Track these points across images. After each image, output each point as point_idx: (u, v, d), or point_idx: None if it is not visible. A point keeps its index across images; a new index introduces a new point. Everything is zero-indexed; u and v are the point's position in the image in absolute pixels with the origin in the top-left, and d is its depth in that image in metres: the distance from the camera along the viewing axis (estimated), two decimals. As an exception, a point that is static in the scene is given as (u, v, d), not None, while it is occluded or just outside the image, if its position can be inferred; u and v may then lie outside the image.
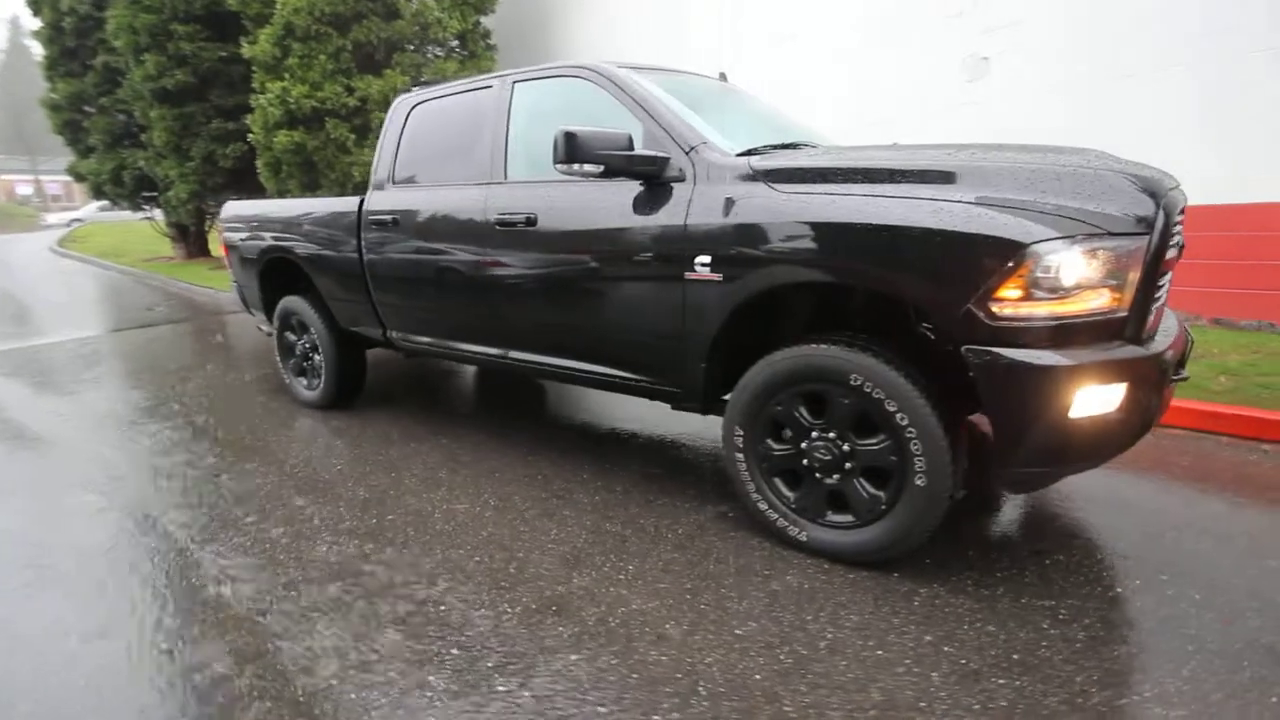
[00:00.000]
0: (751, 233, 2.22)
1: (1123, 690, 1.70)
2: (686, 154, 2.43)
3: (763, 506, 2.43)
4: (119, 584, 2.39)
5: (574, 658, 1.90)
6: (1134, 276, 1.88)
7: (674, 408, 2.81)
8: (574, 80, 2.83)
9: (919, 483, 2.06)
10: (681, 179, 2.43)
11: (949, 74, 6.35)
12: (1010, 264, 1.82)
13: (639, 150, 2.43)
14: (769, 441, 2.39)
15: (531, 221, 2.84)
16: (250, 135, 10.52)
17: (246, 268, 4.70)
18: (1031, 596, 2.11)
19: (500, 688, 1.79)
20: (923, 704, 1.68)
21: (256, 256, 4.53)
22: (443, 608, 2.16)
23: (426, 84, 3.65)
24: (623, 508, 2.83)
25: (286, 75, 9.60)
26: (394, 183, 3.56)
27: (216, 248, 16.96)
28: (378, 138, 9.69)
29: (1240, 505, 2.71)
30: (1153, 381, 1.94)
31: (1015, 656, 1.84)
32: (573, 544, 2.55)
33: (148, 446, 3.82)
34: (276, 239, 4.31)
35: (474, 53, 10.54)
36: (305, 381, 4.54)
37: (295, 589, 2.30)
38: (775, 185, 2.22)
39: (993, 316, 1.87)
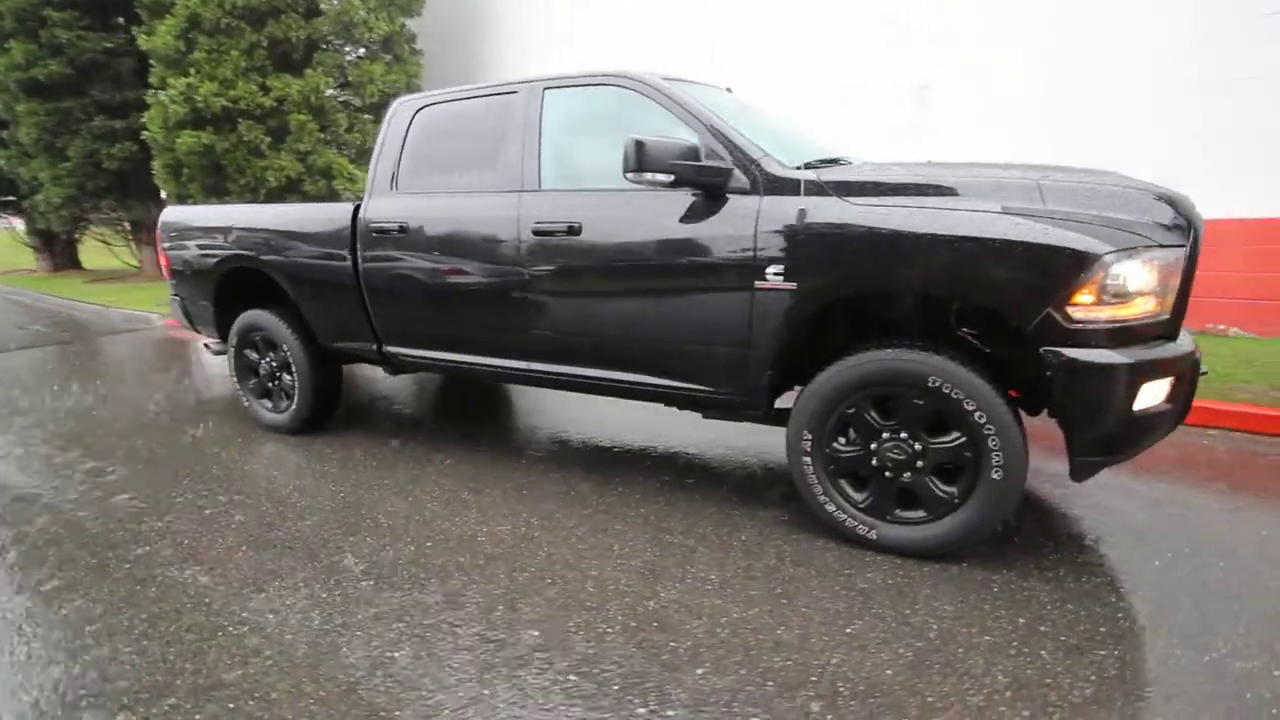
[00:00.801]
0: (830, 242, 2.30)
1: (1204, 650, 1.90)
2: (749, 166, 2.48)
3: (831, 508, 2.50)
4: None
5: (700, 671, 1.87)
6: (1175, 283, 2.12)
7: (712, 416, 2.83)
8: (614, 89, 2.81)
9: (995, 476, 2.21)
10: (745, 190, 2.48)
11: (894, 102, 6.85)
12: (1085, 273, 2.01)
13: (704, 161, 2.45)
14: (835, 445, 2.47)
15: (575, 230, 2.78)
16: (145, 134, 9.50)
17: (196, 280, 4.24)
18: (1089, 575, 2.31)
19: (640, 710, 1.73)
20: (1048, 680, 1.79)
21: (211, 268, 4.10)
22: (535, 633, 2.05)
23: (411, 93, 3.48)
24: (676, 519, 2.80)
25: (192, 71, 8.76)
26: (397, 189, 3.36)
27: (92, 258, 15.10)
28: (297, 140, 9.14)
29: (1230, 490, 3.10)
30: (1189, 376, 2.20)
31: (1103, 629, 2.00)
32: (642, 558, 2.50)
33: (104, 492, 3.36)
34: (241, 248, 3.93)
35: (399, 56, 10.12)
36: (270, 404, 4.15)
37: (368, 640, 2.11)
38: (847, 198, 2.32)
39: (1069, 320, 2.04)
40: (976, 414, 2.19)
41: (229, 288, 4.18)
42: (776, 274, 2.38)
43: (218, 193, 9.30)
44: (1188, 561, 2.39)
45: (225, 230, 4.01)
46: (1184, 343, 2.23)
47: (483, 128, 3.12)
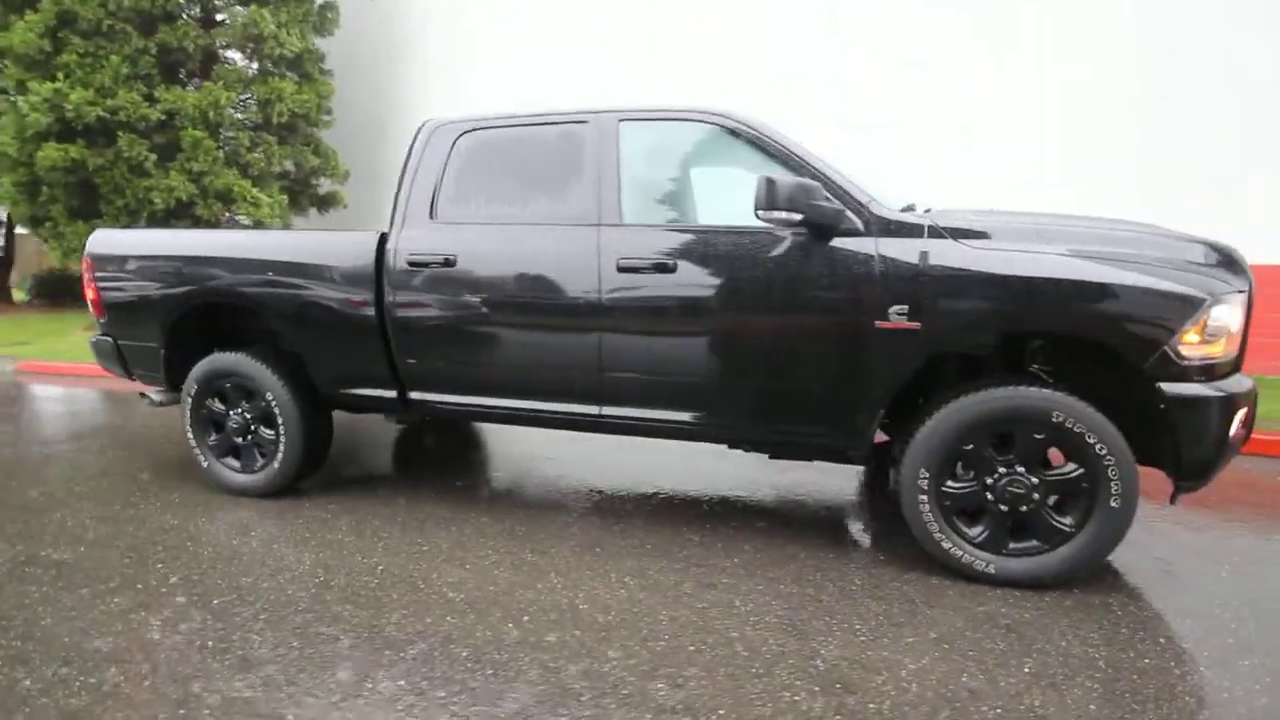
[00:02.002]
0: (958, 284, 2.36)
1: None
2: (860, 208, 2.51)
3: (946, 545, 2.51)
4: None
5: (920, 733, 1.77)
6: (1242, 324, 2.40)
7: (782, 457, 2.80)
8: (701, 125, 2.75)
9: (1113, 504, 2.34)
10: (857, 232, 2.49)
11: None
12: (1195, 315, 2.22)
13: (823, 202, 2.44)
14: (949, 482, 2.50)
15: (667, 268, 2.65)
16: (-9, 145, 7.98)
17: (141, 319, 3.55)
18: (1181, 594, 2.50)
19: (890, 786, 1.59)
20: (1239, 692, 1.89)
21: (168, 304, 3.45)
22: (722, 712, 1.84)
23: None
24: (776, 567, 2.68)
25: (61, 75, 7.50)
26: (437, 219, 3.03)
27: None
28: (191, 159, 8.14)
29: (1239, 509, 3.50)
30: (1254, 404, 2.48)
31: (1230, 641, 2.16)
32: (772, 613, 2.35)
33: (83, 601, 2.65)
34: (216, 282, 3.34)
35: (309, 75, 9.40)
36: (238, 463, 3.52)
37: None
38: (963, 241, 2.40)
39: (1180, 357, 2.24)
40: (1097, 446, 2.32)
41: (188, 328, 3.54)
42: (900, 314, 2.40)
43: (86, 215, 7.97)
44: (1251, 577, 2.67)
45: (193, 260, 3.40)
46: (1246, 378, 2.53)
47: (545, 157, 2.92)
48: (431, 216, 3.04)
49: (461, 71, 9.90)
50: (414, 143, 3.15)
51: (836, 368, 2.52)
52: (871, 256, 2.45)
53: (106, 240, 3.69)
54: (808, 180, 2.39)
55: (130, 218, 7.88)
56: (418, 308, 3.01)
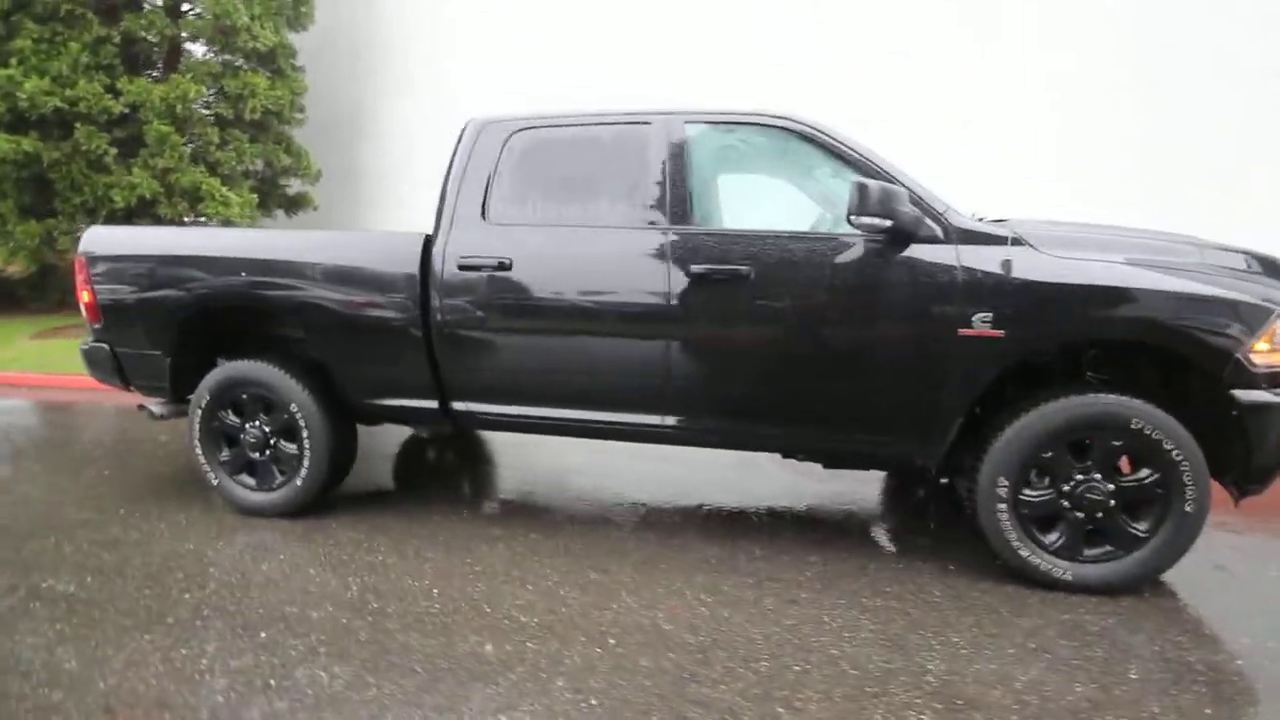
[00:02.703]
0: (1043, 293, 2.37)
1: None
2: (938, 216, 2.50)
3: (1025, 554, 2.51)
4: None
5: (1056, 750, 1.74)
6: (1298, 332, 2.49)
7: (837, 467, 2.76)
8: (769, 129, 2.70)
9: (1188, 509, 2.38)
10: (936, 239, 2.48)
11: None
12: (1266, 324, 2.28)
13: (908, 208, 2.42)
14: (1026, 490, 2.51)
15: (741, 274, 2.58)
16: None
17: (145, 324, 3.27)
18: (1243, 594, 2.57)
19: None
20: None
21: (178, 308, 3.19)
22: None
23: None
24: (852, 579, 2.63)
25: (14, 62, 6.93)
26: (488, 220, 2.88)
27: None
28: (156, 155, 7.65)
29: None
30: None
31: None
32: (865, 628, 2.29)
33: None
34: (235, 284, 3.10)
35: (281, 71, 9.00)
36: (254, 480, 3.27)
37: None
38: (1042, 250, 2.42)
39: (1252, 364, 2.30)
40: (1174, 452, 2.35)
41: (195, 334, 3.28)
42: (984, 321, 2.40)
43: (39, 214, 7.37)
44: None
45: (208, 260, 3.15)
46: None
47: (605, 158, 2.81)
48: (483, 218, 2.89)
49: (444, 61, 9.66)
50: (460, 141, 2.99)
51: (916, 376, 2.49)
52: (953, 264, 2.44)
53: (104, 238, 3.38)
54: (895, 186, 2.37)
55: (88, 217, 7.33)
56: (468, 313, 2.85)
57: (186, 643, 2.22)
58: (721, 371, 2.68)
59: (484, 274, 2.83)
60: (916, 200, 2.48)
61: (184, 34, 7.81)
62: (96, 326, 3.39)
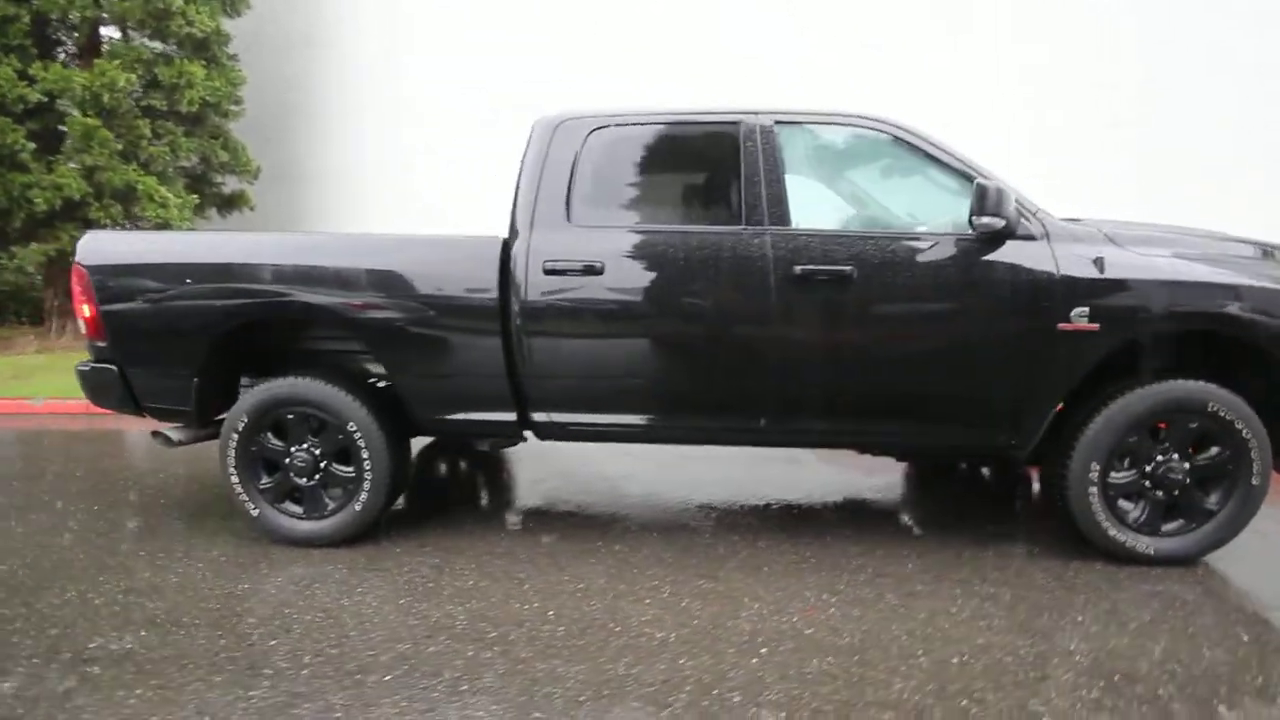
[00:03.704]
0: (1136, 288, 2.52)
1: None
2: (1031, 215, 2.61)
3: (1113, 533, 2.67)
4: None
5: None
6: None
7: (918, 459, 2.84)
8: (861, 130, 2.73)
9: (1255, 481, 2.60)
10: (1032, 237, 2.59)
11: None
12: (1322, 311, 2.53)
13: (1014, 208, 2.50)
14: (1113, 474, 2.67)
15: (844, 275, 2.59)
16: None
17: (168, 342, 2.91)
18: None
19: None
20: None
21: (212, 323, 2.86)
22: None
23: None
24: (954, 570, 2.70)
25: (-96, 41, 5.98)
26: (572, 223, 2.75)
27: None
28: (82, 151, 6.86)
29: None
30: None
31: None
32: (995, 616, 2.36)
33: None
34: (278, 295, 2.81)
35: (216, 60, 8.27)
36: (301, 509, 2.99)
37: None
38: (1128, 248, 2.58)
39: (1311, 349, 2.55)
40: (1244, 431, 2.57)
41: (227, 351, 2.95)
42: (1081, 315, 2.53)
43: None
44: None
45: (254, 269, 2.84)
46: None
47: (693, 157, 2.77)
48: (567, 220, 2.76)
49: (402, 55, 9.20)
50: (532, 140, 2.84)
51: (1016, 370, 2.60)
52: (1051, 261, 2.56)
53: (107, 246, 3.00)
54: (1004, 187, 2.46)
55: (2, 220, 6.44)
56: (556, 319, 2.72)
57: (305, 696, 2.00)
58: (824, 372, 2.69)
59: (573, 278, 2.71)
60: (1018, 201, 2.58)
61: (105, 15, 6.99)
62: (100, 345, 2.99)
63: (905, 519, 3.36)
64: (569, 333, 2.76)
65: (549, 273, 2.71)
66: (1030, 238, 2.60)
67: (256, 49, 9.52)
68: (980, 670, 2.05)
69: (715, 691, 1.98)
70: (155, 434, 3.11)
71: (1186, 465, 2.64)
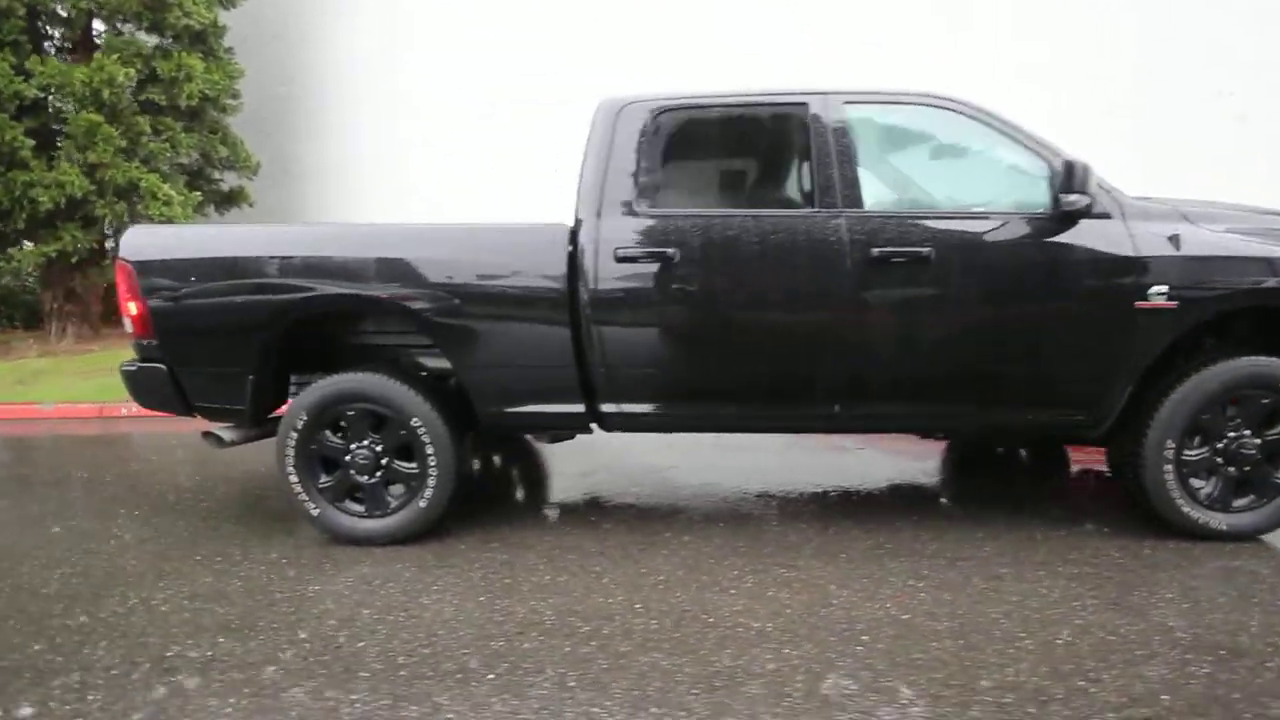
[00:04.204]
0: (1210, 265, 2.53)
1: None
2: (1108, 193, 2.60)
3: (1187, 510, 2.68)
4: None
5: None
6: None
7: (992, 442, 2.84)
8: (930, 110, 2.70)
9: (1323, 457, 2.63)
10: (1107, 215, 2.58)
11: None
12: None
13: (1095, 185, 2.49)
14: (1187, 451, 2.68)
15: (922, 256, 2.57)
16: None
17: (224, 339, 2.83)
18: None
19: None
20: None
21: (273, 318, 2.78)
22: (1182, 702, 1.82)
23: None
24: (1032, 551, 2.69)
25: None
26: (639, 208, 2.69)
27: None
28: (84, 148, 6.67)
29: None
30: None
31: None
32: (1085, 596, 2.35)
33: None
34: (349, 288, 2.74)
35: (214, 53, 8.07)
36: (363, 507, 2.93)
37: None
38: (1202, 225, 2.58)
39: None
40: (1316, 406, 2.60)
41: (284, 347, 2.87)
42: (1159, 293, 2.53)
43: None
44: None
45: (317, 263, 2.76)
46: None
47: (761, 140, 2.73)
48: (634, 205, 2.71)
49: (401, 51, 9.03)
50: (596, 124, 2.78)
51: (1093, 350, 2.60)
52: (1128, 239, 2.56)
53: (153, 241, 2.91)
54: (1086, 164, 2.44)
55: (2, 221, 6.23)
56: (628, 308, 2.68)
57: (408, 698, 1.95)
58: (901, 355, 2.67)
59: (644, 265, 2.66)
60: (1093, 179, 2.57)
61: (103, 8, 6.76)
62: (148, 343, 2.90)
63: (966, 502, 3.36)
64: (641, 321, 2.71)
65: (620, 260, 2.66)
66: (1106, 215, 2.59)
67: (252, 42, 9.31)
68: (1088, 650, 2.05)
69: (830, 678, 1.96)
70: (206, 434, 3.02)
71: (1258, 441, 2.66)
